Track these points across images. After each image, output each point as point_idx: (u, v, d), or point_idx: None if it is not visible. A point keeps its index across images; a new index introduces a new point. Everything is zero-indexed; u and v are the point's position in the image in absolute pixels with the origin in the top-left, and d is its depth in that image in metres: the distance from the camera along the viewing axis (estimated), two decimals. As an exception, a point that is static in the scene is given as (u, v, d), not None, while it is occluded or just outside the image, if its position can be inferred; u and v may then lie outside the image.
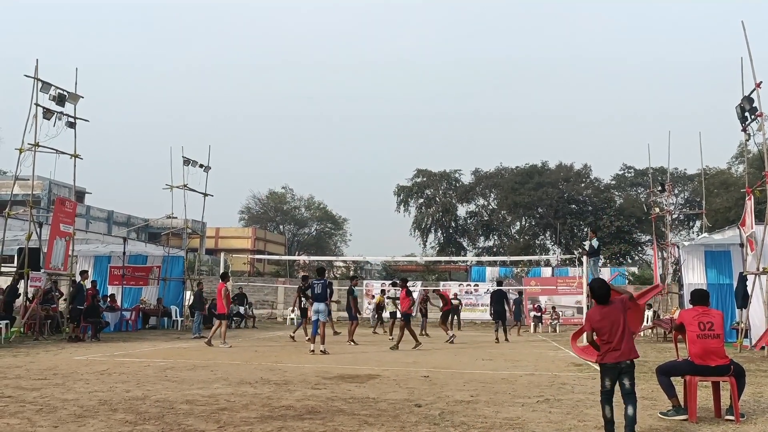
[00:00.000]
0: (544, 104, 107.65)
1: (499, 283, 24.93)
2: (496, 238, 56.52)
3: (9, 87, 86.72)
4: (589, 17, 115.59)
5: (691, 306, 7.51)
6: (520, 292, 29.79)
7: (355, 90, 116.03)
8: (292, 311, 27.10)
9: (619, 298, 6.27)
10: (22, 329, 18.00)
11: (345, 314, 22.75)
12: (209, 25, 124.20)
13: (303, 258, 51.17)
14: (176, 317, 25.20)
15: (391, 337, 19.55)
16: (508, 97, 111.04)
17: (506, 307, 21.86)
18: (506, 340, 20.82)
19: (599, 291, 6.24)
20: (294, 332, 19.76)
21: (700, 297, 7.46)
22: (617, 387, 6.03)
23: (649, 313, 24.00)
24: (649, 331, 22.68)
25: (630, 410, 5.90)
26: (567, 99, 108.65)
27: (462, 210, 56.24)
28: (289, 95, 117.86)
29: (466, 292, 33.24)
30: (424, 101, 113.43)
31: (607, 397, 6.02)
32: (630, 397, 5.95)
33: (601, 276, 33.72)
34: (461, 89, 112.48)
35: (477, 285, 34.13)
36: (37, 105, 18.18)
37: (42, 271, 18.53)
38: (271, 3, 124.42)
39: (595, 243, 21.58)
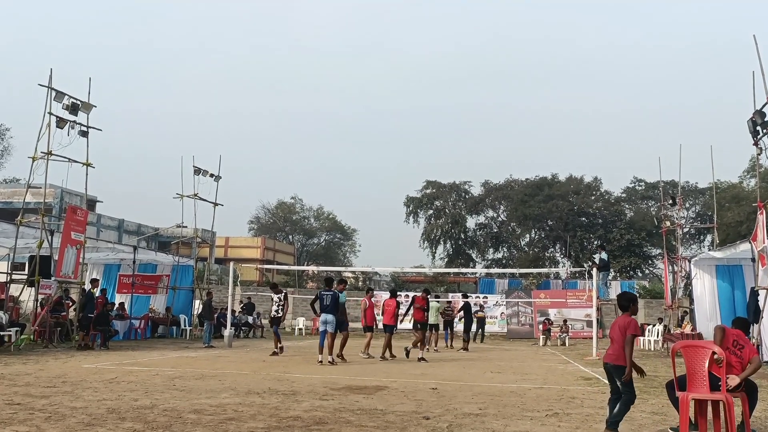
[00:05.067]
0: (554, 116, 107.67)
1: (465, 296, 26.75)
2: (505, 250, 56.39)
3: (23, 96, 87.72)
4: (601, 29, 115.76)
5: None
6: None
7: (365, 101, 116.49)
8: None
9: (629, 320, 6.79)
10: (32, 337, 18.10)
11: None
12: (219, 35, 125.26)
13: (312, 268, 51.22)
14: (185, 326, 25.24)
15: (436, 349, 20.46)
16: (518, 109, 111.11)
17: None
18: (466, 349, 21.62)
19: (619, 301, 7.09)
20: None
21: (741, 323, 7.70)
22: None
23: (659, 327, 23.85)
24: (660, 345, 22.52)
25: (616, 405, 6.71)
26: (577, 111, 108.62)
27: (471, 222, 56.19)
28: (299, 106, 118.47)
29: (474, 304, 33.19)
30: (433, 112, 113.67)
31: (610, 398, 6.89)
32: (621, 394, 6.70)
33: (610, 289, 33.66)
34: (471, 101, 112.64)
35: (486, 297, 34.03)
36: (50, 114, 18.36)
37: (53, 278, 18.64)
38: (280, 14, 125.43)
39: (604, 256, 21.52)
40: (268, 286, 19.19)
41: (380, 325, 18.58)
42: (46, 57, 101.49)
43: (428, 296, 18.59)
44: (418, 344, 17.12)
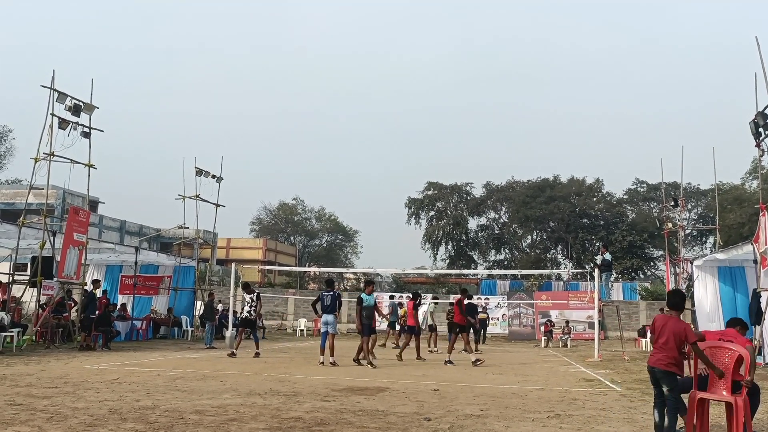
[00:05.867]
0: (556, 117, 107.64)
1: (470, 297, 25.90)
2: (507, 251, 56.37)
3: (25, 97, 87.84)
4: (603, 31, 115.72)
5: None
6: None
7: (366, 102, 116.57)
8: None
9: (685, 325, 6.52)
10: (33, 337, 18.12)
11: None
12: (221, 36, 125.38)
13: (314, 269, 51.24)
14: (186, 327, 25.25)
15: (435, 350, 20.40)
16: (519, 110, 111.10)
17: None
18: (476, 350, 21.26)
19: (672, 299, 6.77)
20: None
21: (734, 321, 7.53)
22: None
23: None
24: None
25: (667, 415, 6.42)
26: (579, 112, 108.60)
27: (473, 223, 56.20)
28: (301, 107, 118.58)
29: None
30: (435, 114, 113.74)
31: (655, 402, 6.65)
32: (667, 403, 6.43)
33: (612, 291, 33.61)
34: (473, 102, 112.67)
35: (488, 298, 34.03)
36: (53, 115, 18.38)
37: (55, 279, 18.65)
38: (282, 15, 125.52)
39: (608, 256, 21.47)
40: (241, 286, 18.82)
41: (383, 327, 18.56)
42: (48, 58, 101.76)
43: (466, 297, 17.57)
44: (459, 348, 16.25)
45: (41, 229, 18.52)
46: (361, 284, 42.31)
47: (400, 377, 12.52)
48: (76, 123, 19.12)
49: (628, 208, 54.68)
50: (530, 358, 19.32)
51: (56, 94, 18.36)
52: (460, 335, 16.23)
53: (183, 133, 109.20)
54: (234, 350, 16.73)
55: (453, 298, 33.60)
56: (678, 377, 6.46)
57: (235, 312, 20.86)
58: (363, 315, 15.02)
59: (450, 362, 15.69)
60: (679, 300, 6.74)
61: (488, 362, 15.97)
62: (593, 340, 20.81)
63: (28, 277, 18.53)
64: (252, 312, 17.15)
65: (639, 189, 54.81)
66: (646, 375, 13.65)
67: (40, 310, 18.88)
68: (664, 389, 6.46)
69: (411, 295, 19.07)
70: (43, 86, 18.32)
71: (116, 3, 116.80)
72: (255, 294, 17.40)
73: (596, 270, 21.25)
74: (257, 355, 16.61)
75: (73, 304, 20.09)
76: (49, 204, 20.00)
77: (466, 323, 16.48)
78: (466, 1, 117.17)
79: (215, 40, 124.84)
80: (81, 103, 19.10)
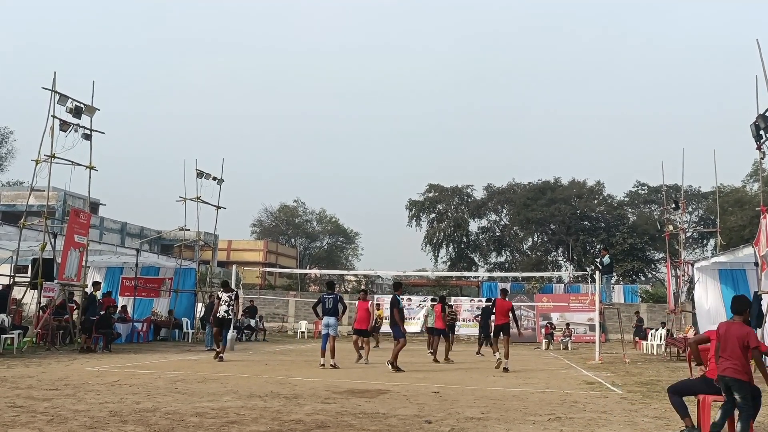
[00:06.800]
0: (557, 119, 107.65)
1: (489, 300, 25.34)
2: (507, 253, 56.33)
3: (26, 99, 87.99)
4: (604, 33, 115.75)
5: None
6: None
7: (368, 104, 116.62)
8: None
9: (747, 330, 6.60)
10: (34, 339, 18.11)
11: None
12: (222, 38, 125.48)
13: (314, 271, 51.27)
14: (187, 329, 25.24)
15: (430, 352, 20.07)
16: (520, 112, 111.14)
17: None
18: (480, 354, 21.63)
19: (733, 304, 6.80)
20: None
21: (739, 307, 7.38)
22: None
23: (662, 332, 23.78)
24: (663, 350, 22.45)
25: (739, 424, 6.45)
26: (580, 115, 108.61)
27: (474, 225, 56.17)
28: (302, 109, 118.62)
29: (477, 308, 33.10)
30: (436, 116, 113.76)
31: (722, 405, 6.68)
32: (740, 409, 6.47)
33: (613, 293, 33.59)
34: (474, 104, 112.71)
35: (490, 300, 33.96)
36: (54, 117, 18.38)
37: (55, 281, 18.65)
38: (284, 17, 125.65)
39: (606, 260, 21.45)
40: (221, 284, 18.46)
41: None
42: (48, 59, 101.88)
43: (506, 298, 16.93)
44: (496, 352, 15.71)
45: (42, 231, 18.52)
46: (361, 287, 42.23)
47: (400, 380, 12.52)
48: (77, 125, 19.10)
49: (629, 210, 54.65)
50: (531, 361, 19.29)
51: (57, 96, 18.34)
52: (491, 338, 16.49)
53: (184, 135, 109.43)
54: (220, 353, 16.11)
55: (453, 300, 33.73)
56: (748, 384, 6.51)
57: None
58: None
59: (506, 369, 14.97)
60: (741, 306, 6.79)
61: (488, 365, 15.95)
62: (594, 342, 20.78)
63: (28, 279, 18.53)
64: (229, 311, 16.64)
65: (640, 191, 54.78)
66: (647, 377, 13.68)
67: (41, 312, 18.88)
68: (736, 396, 6.52)
69: (439, 299, 19.84)
70: (44, 88, 18.34)
71: (116, 3, 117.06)
72: (234, 293, 17.04)
73: (597, 272, 21.24)
74: (220, 359, 15.78)
75: (74, 307, 20.08)
76: (50, 206, 20.00)
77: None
78: (467, 1, 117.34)
79: (216, 40, 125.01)
80: (82, 105, 19.09)
